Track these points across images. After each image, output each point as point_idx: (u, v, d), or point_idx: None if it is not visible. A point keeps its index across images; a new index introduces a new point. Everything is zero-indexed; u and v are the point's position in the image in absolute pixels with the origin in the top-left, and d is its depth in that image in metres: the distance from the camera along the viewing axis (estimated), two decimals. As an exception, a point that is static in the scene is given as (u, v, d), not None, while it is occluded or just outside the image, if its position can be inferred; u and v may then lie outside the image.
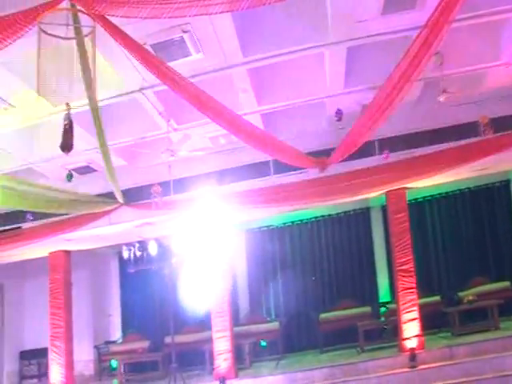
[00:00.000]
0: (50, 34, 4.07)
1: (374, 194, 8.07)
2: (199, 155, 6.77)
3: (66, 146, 4.46)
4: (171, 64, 4.74)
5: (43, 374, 12.03)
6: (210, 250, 8.20)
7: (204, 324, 9.55)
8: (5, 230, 8.37)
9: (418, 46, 4.37)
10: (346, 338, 9.64)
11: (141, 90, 5.33)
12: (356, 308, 9.70)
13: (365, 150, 6.53)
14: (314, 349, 9.82)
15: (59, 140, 5.02)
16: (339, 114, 5.48)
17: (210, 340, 8.87)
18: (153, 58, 4.55)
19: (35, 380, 12.14)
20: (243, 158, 7.06)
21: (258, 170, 7.08)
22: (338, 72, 5.67)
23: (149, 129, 6.23)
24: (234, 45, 4.99)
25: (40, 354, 12.11)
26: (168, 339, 9.42)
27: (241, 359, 9.20)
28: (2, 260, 9.73)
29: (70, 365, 9.64)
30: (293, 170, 6.95)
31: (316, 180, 6.78)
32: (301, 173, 7.01)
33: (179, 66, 4.91)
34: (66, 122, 4.48)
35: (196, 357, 9.87)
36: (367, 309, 9.70)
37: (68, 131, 4.42)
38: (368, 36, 5.12)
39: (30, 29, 3.86)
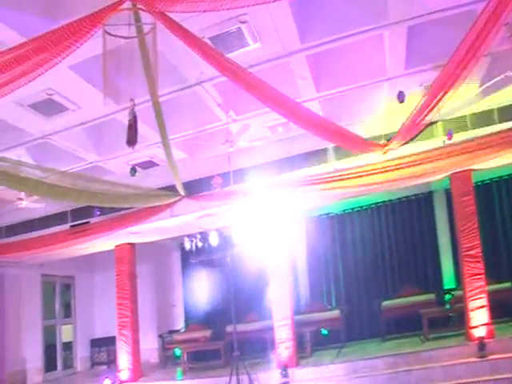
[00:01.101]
0: (113, 35, 4.21)
1: (437, 177, 7.79)
2: (258, 145, 6.77)
3: (131, 140, 4.61)
4: (229, 56, 4.79)
5: (112, 360, 12.63)
6: (270, 239, 8.24)
7: (265, 313, 9.61)
8: (75, 225, 8.81)
9: (486, 19, 4.16)
10: (409, 326, 9.40)
11: (200, 83, 5.39)
12: (419, 295, 9.43)
13: (427, 132, 6.30)
14: (376, 337, 9.64)
15: (123, 136, 5.21)
16: (401, 96, 5.31)
17: (271, 328, 8.93)
18: (212, 51, 4.59)
19: (105, 366, 12.75)
20: (302, 145, 6.98)
21: (317, 157, 6.97)
22: (398, 53, 5.48)
23: (208, 121, 6.30)
24: (292, 32, 4.93)
25: (109, 342, 12.72)
26: (229, 328, 9.59)
27: (302, 347, 9.20)
28: (73, 253, 10.24)
29: (136, 353, 10.02)
30: (353, 156, 6.83)
31: (377, 165, 6.64)
32: (361, 158, 6.87)
33: (237, 57, 4.94)
34: (130, 118, 4.63)
35: (257, 345, 9.94)
36: (431, 296, 9.41)
37: (133, 126, 4.57)
38: (430, 13, 4.90)
39: (96, 32, 3.99)
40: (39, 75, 4.21)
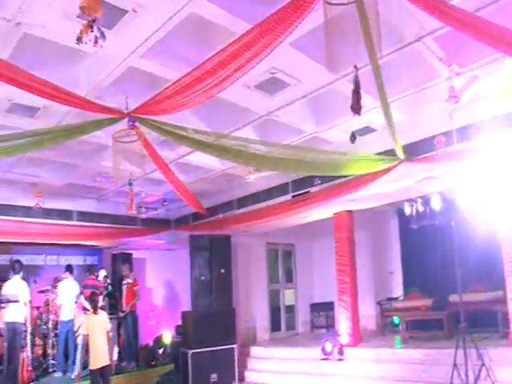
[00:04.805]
0: (332, 4, 4.27)
1: None
2: (484, 98, 6.15)
3: (356, 107, 4.67)
4: (452, 3, 4.44)
5: (330, 325, 13.29)
6: (500, 202, 7.49)
7: (495, 282, 8.87)
8: (296, 195, 9.36)
9: None
10: None
11: (419, 38, 5.14)
12: None
13: None
14: None
15: (341, 105, 5.29)
16: None
17: (503, 300, 8.22)
18: (434, 1, 4.32)
19: (324, 330, 13.43)
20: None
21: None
22: None
23: (428, 78, 5.96)
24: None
25: (327, 307, 13.39)
26: (453, 297, 9.12)
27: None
28: (294, 222, 10.97)
29: (355, 318, 10.27)
30: None
31: None
32: None
33: (460, 3, 4.54)
34: (354, 85, 4.69)
35: (486, 318, 9.24)
36: None
37: (357, 93, 4.62)
38: None
39: (315, 4, 4.10)
40: (265, 56, 4.56)
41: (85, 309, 9.39)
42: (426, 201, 8.23)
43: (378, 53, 4.58)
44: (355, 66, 4.60)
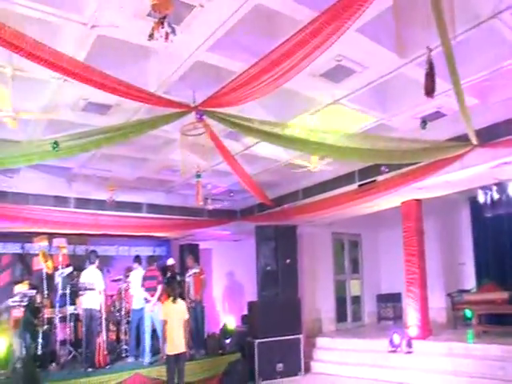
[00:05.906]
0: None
1: None
2: None
3: (429, 90, 4.50)
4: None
5: (398, 316, 13.01)
6: None
7: None
8: (362, 184, 9.20)
9: None
10: None
11: (496, 14, 4.84)
12: None
13: None
14: None
15: (409, 90, 5.08)
16: None
17: None
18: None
19: (391, 322, 13.17)
20: None
21: None
22: None
23: (506, 57, 5.62)
24: None
25: (394, 298, 13.12)
26: (533, 291, 8.65)
27: None
28: (360, 212, 10.80)
29: (425, 310, 9.98)
30: None
31: None
32: None
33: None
34: (427, 67, 4.52)
35: None
36: None
37: (431, 75, 4.45)
38: None
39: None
40: (332, 44, 4.47)
41: (146, 299, 9.69)
42: (501, 188, 7.80)
43: (450, 33, 4.37)
44: (428, 47, 4.40)
